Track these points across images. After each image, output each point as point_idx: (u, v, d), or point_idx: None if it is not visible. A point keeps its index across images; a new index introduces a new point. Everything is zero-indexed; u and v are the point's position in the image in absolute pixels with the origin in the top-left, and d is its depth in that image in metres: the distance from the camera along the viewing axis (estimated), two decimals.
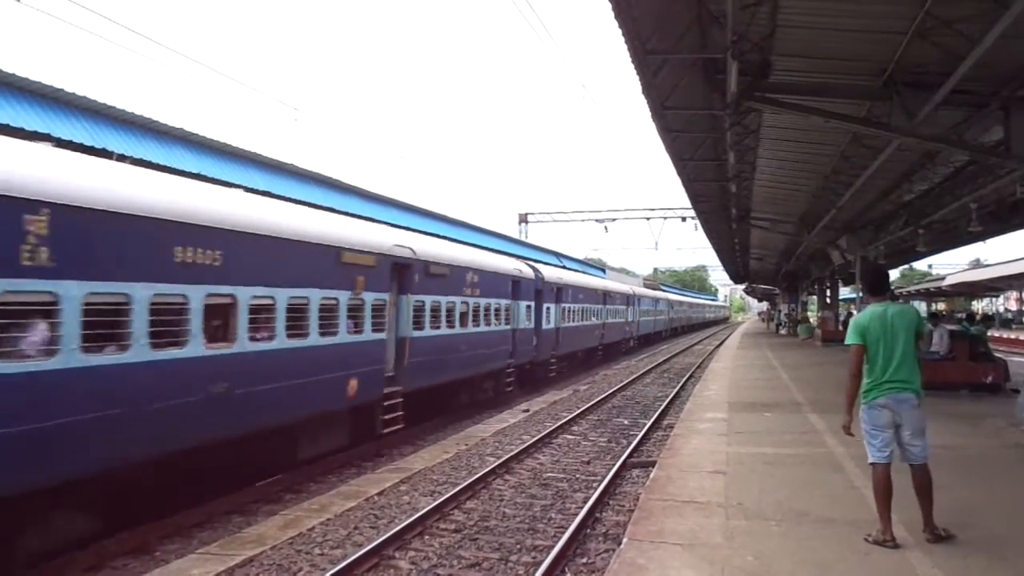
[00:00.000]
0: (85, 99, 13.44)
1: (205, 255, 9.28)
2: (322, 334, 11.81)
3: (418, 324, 15.31)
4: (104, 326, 7.90)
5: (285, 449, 11.79)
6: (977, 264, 78.61)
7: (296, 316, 11.16)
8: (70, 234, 7.53)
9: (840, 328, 38.80)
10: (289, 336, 10.99)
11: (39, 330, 7.29)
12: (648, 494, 8.30)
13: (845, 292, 54.49)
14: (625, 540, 6.69)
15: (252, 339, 10.20)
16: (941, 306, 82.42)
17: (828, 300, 46.42)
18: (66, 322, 7.41)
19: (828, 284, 45.20)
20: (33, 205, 7.14)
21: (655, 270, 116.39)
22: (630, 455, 12.76)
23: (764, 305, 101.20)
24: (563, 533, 8.37)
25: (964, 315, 28.97)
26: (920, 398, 6.27)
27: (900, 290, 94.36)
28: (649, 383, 26.00)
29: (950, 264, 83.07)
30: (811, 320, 53.46)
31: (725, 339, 55.76)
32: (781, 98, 12.26)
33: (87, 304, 7.64)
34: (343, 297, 12.48)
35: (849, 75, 12.18)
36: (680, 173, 20.38)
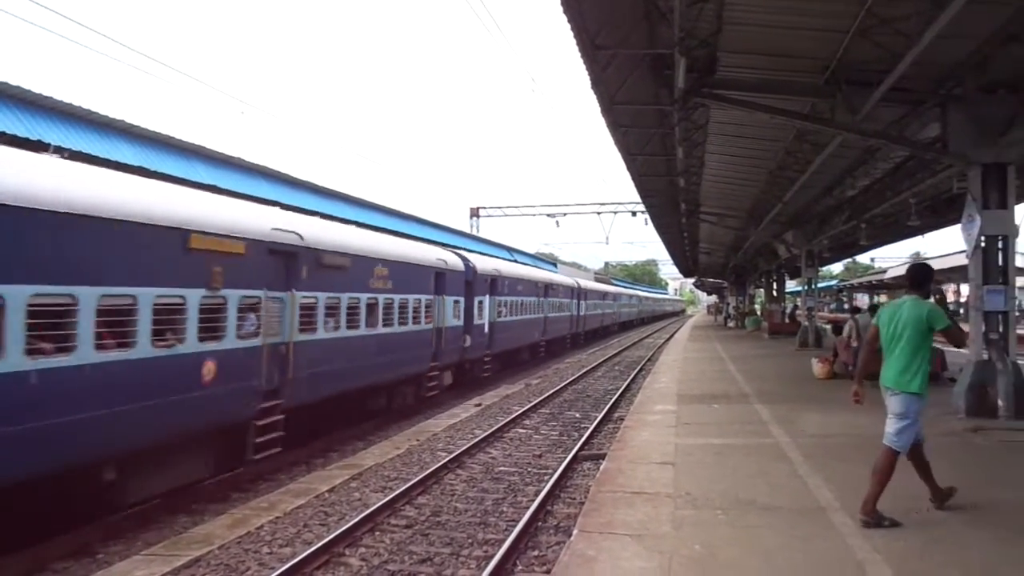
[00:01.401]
0: (19, 89, 13.03)
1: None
2: (560, 314, 36.26)
3: (551, 310, 34.97)
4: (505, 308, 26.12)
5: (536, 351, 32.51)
6: (917, 257, 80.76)
7: (559, 307, 35.96)
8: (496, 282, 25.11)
9: (786, 321, 39.55)
10: (553, 313, 34.34)
11: (486, 307, 23.54)
12: (598, 486, 8.36)
13: (791, 285, 55.54)
14: (575, 532, 6.74)
15: (551, 315, 34.06)
16: (883, 298, 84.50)
17: (775, 293, 47.30)
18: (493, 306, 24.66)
19: (775, 278, 46.06)
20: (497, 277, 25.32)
21: (606, 264, 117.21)
22: (581, 448, 12.83)
23: (713, 298, 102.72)
24: (514, 526, 8.38)
25: None
26: (893, 388, 6.65)
27: (843, 283, 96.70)
28: (600, 376, 26.20)
29: (891, 257, 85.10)
30: (757, 313, 54.40)
31: (675, 332, 56.48)
32: (728, 94, 12.46)
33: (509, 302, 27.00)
34: (537, 300, 31.49)
35: (794, 72, 12.43)
36: (630, 168, 20.57)
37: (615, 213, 50.11)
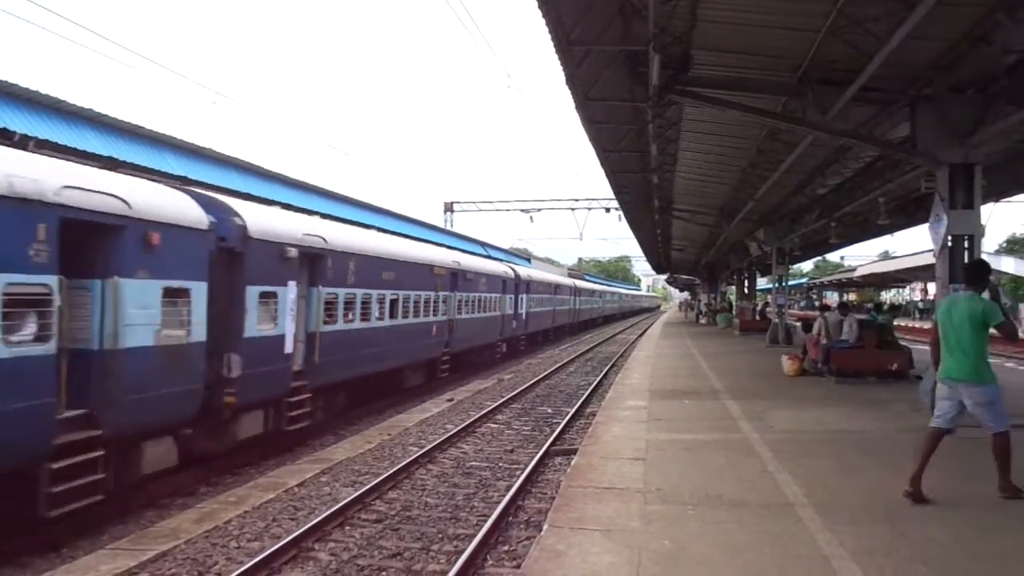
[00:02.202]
0: None
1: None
2: (562, 308, 46.74)
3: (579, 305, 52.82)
4: (534, 303, 36.41)
5: (547, 335, 43.09)
6: (886, 256, 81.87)
7: (563, 303, 46.32)
8: (529, 284, 36.11)
9: (757, 318, 39.85)
10: (560, 307, 45.40)
11: (524, 302, 34.48)
12: (569, 481, 8.38)
13: (762, 283, 56.01)
14: (546, 527, 6.75)
15: (558, 308, 45.74)
16: (852, 296, 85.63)
17: (746, 291, 47.66)
18: (528, 301, 36.12)
19: (746, 275, 46.41)
20: (531, 281, 36.77)
21: (580, 260, 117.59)
22: (553, 443, 12.86)
23: (686, 295, 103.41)
24: (485, 521, 8.39)
25: (872, 305, 30.08)
26: (972, 381, 6.92)
27: (813, 281, 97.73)
28: (573, 372, 26.28)
29: (861, 256, 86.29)
30: (730, 310, 54.78)
31: (647, 328, 56.79)
32: (701, 91, 12.50)
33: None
34: (551, 297, 42.66)
35: (766, 70, 12.49)
36: (603, 164, 20.59)
37: (589, 209, 50.34)
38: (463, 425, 14.56)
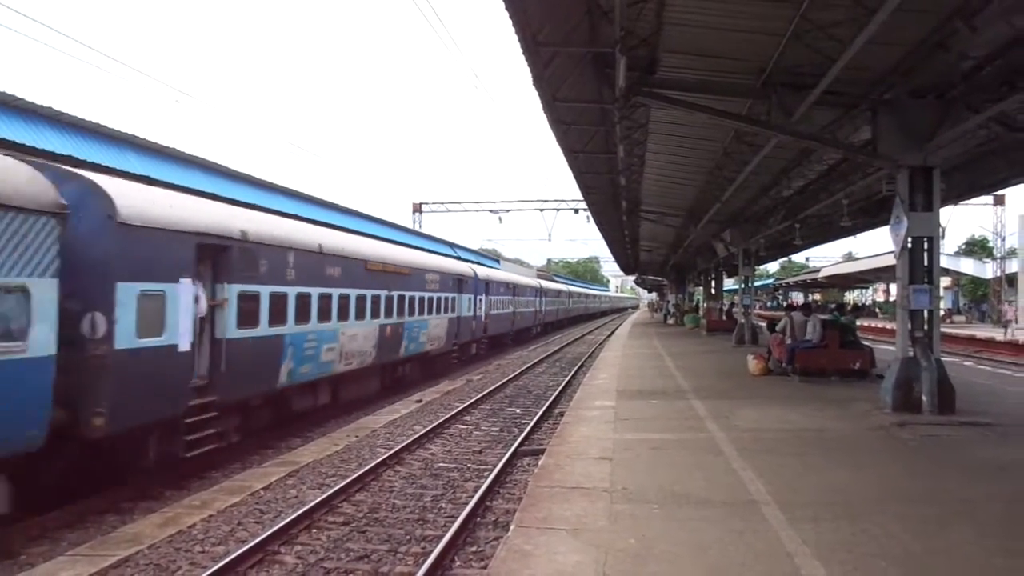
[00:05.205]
0: None
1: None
2: (577, 305, 77.82)
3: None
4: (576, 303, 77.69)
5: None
6: (849, 257, 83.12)
7: (579, 303, 79.07)
8: (572, 295, 76.90)
9: (723, 318, 40.21)
10: (580, 304, 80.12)
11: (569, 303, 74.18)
12: (537, 481, 8.39)
13: (729, 283, 56.51)
14: (513, 527, 6.75)
15: (577, 305, 79.02)
16: (817, 297, 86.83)
17: (713, 291, 48.07)
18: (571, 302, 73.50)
19: (713, 276, 46.81)
20: (573, 292, 76.93)
21: (548, 261, 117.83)
22: (521, 443, 12.88)
23: (654, 295, 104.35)
24: (453, 522, 8.38)
25: (835, 305, 30.51)
26: None
27: (779, 281, 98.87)
28: (541, 372, 26.32)
29: (826, 257, 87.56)
30: (697, 310, 55.21)
31: (616, 328, 57.10)
32: (668, 93, 12.60)
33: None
34: (582, 298, 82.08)
35: (732, 74, 12.63)
36: (571, 165, 20.67)
37: (558, 210, 50.43)
38: (431, 426, 14.52)
